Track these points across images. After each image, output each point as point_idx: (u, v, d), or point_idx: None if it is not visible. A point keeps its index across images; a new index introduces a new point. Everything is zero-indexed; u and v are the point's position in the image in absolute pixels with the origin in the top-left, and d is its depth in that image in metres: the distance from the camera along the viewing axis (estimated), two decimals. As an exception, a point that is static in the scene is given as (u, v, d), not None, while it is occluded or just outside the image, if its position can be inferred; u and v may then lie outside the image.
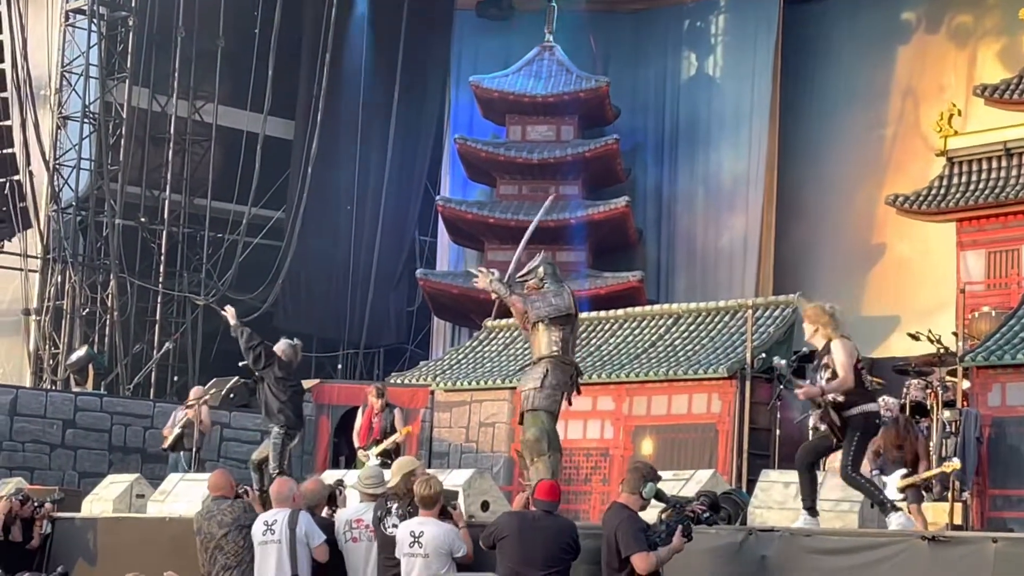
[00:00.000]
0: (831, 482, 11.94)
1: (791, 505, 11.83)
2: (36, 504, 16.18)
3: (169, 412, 22.35)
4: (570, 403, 13.34)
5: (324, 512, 12.79)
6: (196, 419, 19.86)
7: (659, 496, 10.61)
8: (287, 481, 12.91)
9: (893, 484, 14.71)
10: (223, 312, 16.32)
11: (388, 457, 18.53)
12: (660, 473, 11.20)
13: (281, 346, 16.48)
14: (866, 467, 14.20)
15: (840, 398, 11.16)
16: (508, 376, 24.55)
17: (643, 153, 36.12)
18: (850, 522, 11.60)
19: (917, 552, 10.04)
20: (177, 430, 20.01)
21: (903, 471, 15.26)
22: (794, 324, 23.72)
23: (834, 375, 11.20)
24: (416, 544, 11.30)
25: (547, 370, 13.02)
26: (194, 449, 19.69)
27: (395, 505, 11.89)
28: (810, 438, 15.75)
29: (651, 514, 10.87)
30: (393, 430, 19.00)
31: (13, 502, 15.98)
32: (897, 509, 11.21)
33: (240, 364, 17.26)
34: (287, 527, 12.13)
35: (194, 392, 20.99)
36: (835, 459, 16.04)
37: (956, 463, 14.92)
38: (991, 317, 24.00)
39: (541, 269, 13.40)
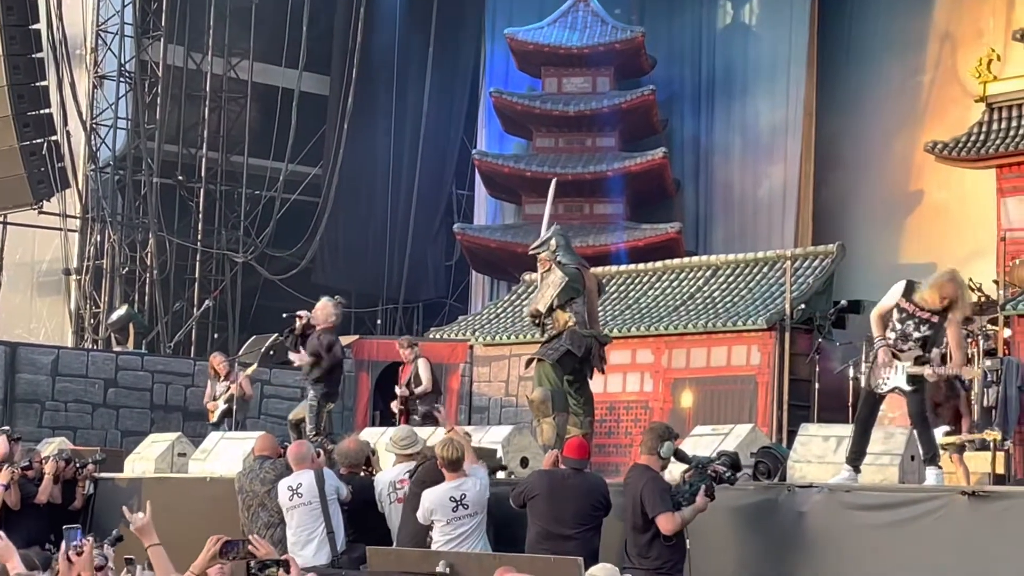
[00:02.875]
0: (872, 435, 11.90)
1: (831, 459, 11.80)
2: (78, 465, 16.27)
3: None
4: (601, 371, 13.49)
5: (361, 473, 12.86)
6: (237, 391, 19.89)
7: (679, 455, 10.65)
8: (303, 443, 13.01)
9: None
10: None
11: (411, 404, 18.67)
12: (700, 427, 11.22)
13: (328, 307, 16.49)
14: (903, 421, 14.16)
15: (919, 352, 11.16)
16: (547, 329, 24.54)
17: (680, 103, 35.92)
18: (890, 475, 11.57)
19: (957, 507, 10.03)
20: (223, 405, 20.03)
21: (945, 428, 15.23)
22: (833, 274, 23.65)
23: (934, 335, 11.16)
24: (461, 507, 11.33)
25: (561, 333, 13.22)
26: (234, 419, 19.75)
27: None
28: (851, 390, 15.76)
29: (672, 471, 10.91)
30: (418, 381, 19.07)
31: (58, 462, 16.07)
32: (938, 466, 11.17)
33: (284, 315, 17.44)
34: (316, 487, 12.18)
35: (217, 360, 20.69)
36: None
37: (997, 433, 14.86)
38: (1032, 264, 23.83)
39: (553, 241, 13.54)
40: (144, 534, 7.78)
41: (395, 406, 19.37)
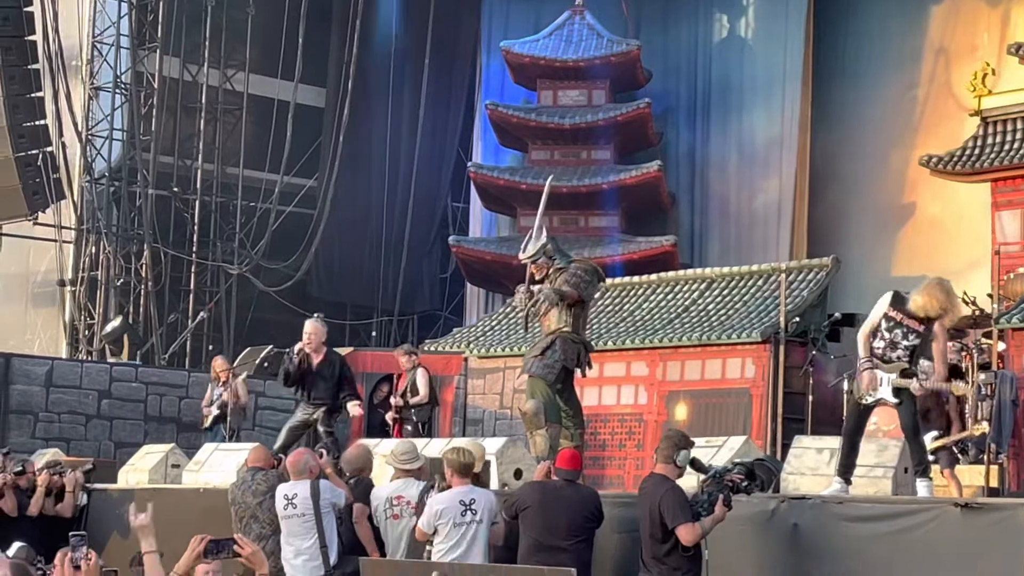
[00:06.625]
0: (865, 447, 11.94)
1: (824, 471, 11.84)
2: (58, 473, 16.20)
3: (203, 382, 22.42)
4: (583, 375, 13.43)
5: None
6: (232, 397, 19.94)
7: (694, 464, 10.64)
8: (304, 452, 12.96)
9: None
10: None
11: (403, 413, 18.59)
12: (693, 439, 11.23)
13: (320, 329, 16.52)
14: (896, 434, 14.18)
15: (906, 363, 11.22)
16: (542, 342, 24.51)
17: (675, 117, 35.94)
18: (884, 488, 11.59)
19: (949, 519, 10.03)
20: (215, 411, 20.10)
21: (934, 433, 15.26)
22: (828, 287, 23.66)
23: (921, 344, 11.26)
24: (469, 511, 11.32)
25: (552, 342, 13.13)
26: (228, 427, 19.78)
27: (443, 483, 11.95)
28: (846, 403, 15.78)
29: (687, 482, 10.89)
30: (415, 390, 18.98)
31: (52, 476, 16.05)
32: (929, 478, 11.21)
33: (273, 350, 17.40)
34: (310, 499, 12.16)
35: (218, 364, 20.94)
36: (869, 423, 16.09)
37: (985, 426, 14.90)
38: (1026, 278, 23.84)
39: (550, 246, 13.45)
40: (143, 536, 7.75)
41: (390, 416, 19.30)
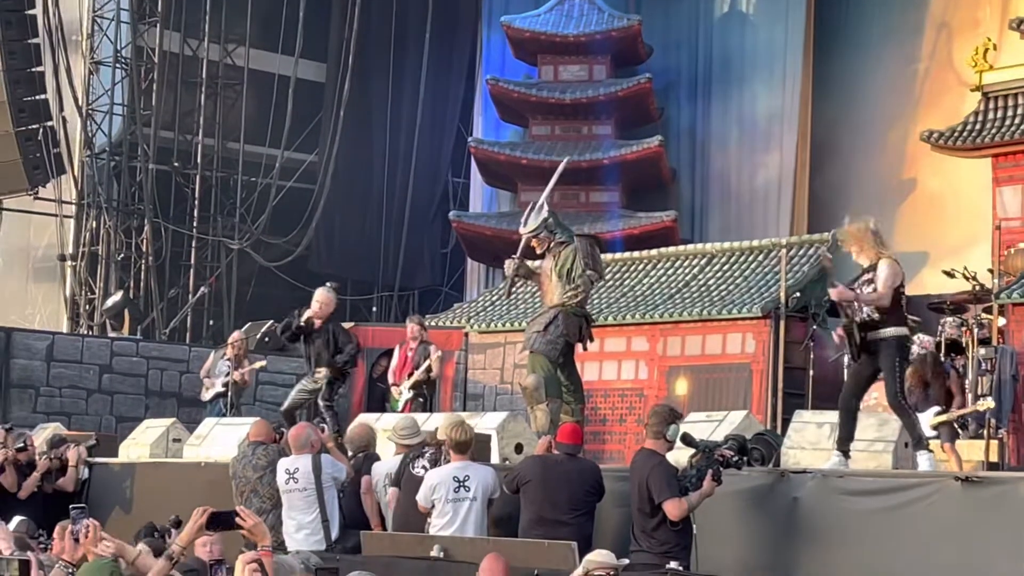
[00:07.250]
0: (865, 422, 11.95)
1: (824, 446, 11.86)
2: (56, 456, 16.19)
3: (205, 356, 22.39)
4: (584, 348, 13.44)
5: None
6: (240, 381, 20.02)
7: (685, 438, 10.63)
8: (305, 426, 12.98)
9: (926, 421, 14.68)
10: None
11: (419, 390, 18.55)
12: (694, 414, 11.24)
13: (332, 299, 16.41)
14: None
15: (875, 315, 11.16)
16: (542, 317, 24.51)
17: (676, 92, 35.89)
18: (884, 462, 11.61)
19: (949, 492, 10.06)
20: (220, 388, 20.14)
21: (936, 408, 15.25)
22: (828, 262, 23.67)
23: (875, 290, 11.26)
24: (463, 488, 11.35)
25: (555, 317, 13.10)
26: (230, 404, 19.82)
27: (430, 451, 11.97)
28: (845, 377, 15.79)
29: (678, 455, 10.90)
30: (429, 367, 18.90)
31: (52, 460, 16.07)
32: (928, 450, 11.21)
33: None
34: (312, 473, 12.19)
35: (234, 336, 21.06)
36: (869, 399, 16.14)
37: (990, 402, 14.89)
38: (1027, 253, 23.81)
39: (551, 220, 13.44)
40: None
41: (396, 390, 19.00)
